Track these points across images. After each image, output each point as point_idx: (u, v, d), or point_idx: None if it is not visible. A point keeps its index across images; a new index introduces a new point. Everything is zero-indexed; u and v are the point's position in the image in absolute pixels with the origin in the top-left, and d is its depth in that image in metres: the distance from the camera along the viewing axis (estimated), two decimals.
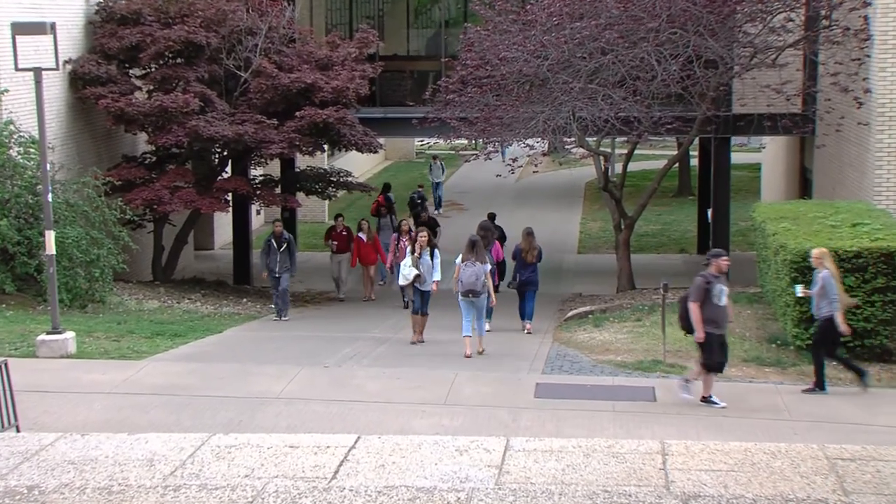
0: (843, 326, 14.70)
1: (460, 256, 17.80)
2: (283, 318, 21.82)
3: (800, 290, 15.45)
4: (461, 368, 16.07)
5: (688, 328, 14.11)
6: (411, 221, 25.30)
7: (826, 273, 14.73)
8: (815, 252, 15.11)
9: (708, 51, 22.23)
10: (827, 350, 14.89)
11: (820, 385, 14.80)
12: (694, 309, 13.86)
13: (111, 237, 21.49)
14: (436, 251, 19.41)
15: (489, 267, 17.95)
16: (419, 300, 18.97)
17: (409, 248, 19.74)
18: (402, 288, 20.50)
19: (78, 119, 23.99)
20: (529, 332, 19.81)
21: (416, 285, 19.01)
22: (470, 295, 17.45)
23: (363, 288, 25.53)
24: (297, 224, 30.39)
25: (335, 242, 25.31)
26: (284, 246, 21.86)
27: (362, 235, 25.41)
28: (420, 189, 34.14)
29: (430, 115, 24.43)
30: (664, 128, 23.35)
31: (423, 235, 19.49)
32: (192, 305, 22.69)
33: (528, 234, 20.34)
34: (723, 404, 13.86)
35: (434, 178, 40.08)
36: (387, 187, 32.82)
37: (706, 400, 13.95)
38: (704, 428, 12.86)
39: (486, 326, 18.54)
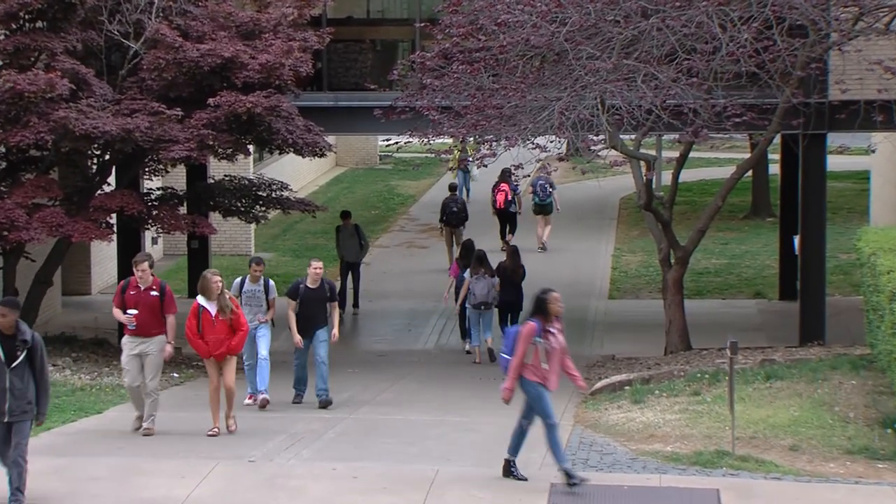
0: None
1: (468, 271, 25.52)
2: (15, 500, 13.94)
3: None
4: (444, 462, 16.01)
5: None
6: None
7: None
8: None
9: (793, 11, 22.31)
10: None
11: None
12: None
13: None
14: None
15: (497, 280, 25.47)
16: None
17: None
18: None
19: None
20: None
21: None
22: (482, 307, 25.35)
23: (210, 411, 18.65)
24: (211, 258, 30.34)
25: (133, 312, 18.20)
26: (24, 353, 13.98)
27: (209, 307, 18.48)
28: (547, 173, 33.07)
29: (399, 103, 24.43)
30: (731, 121, 23.35)
31: None
32: (60, 374, 22.54)
33: (514, 252, 26.62)
34: None
35: (347, 255, 30.94)
36: (507, 173, 32.55)
37: None
38: None
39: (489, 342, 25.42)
